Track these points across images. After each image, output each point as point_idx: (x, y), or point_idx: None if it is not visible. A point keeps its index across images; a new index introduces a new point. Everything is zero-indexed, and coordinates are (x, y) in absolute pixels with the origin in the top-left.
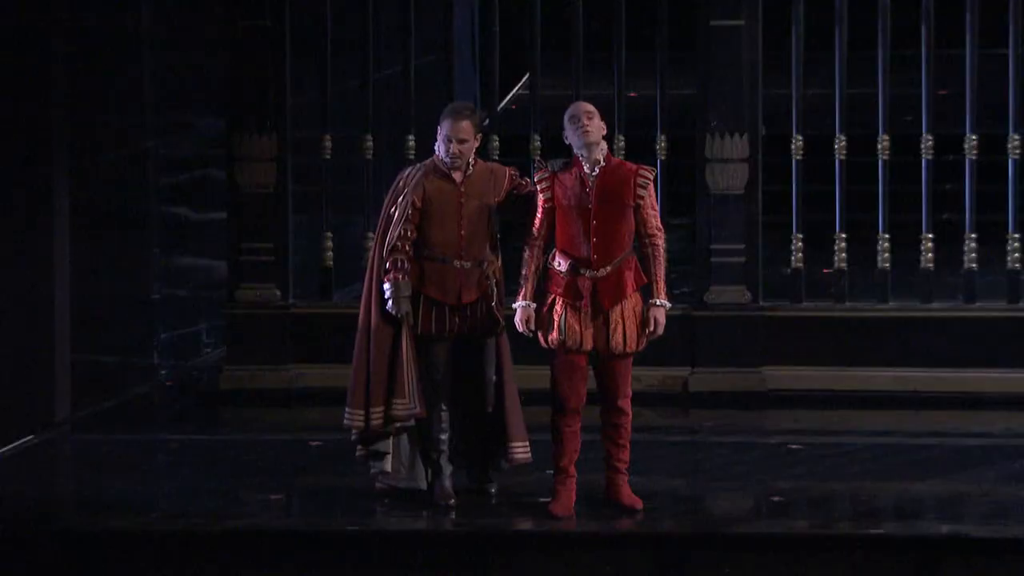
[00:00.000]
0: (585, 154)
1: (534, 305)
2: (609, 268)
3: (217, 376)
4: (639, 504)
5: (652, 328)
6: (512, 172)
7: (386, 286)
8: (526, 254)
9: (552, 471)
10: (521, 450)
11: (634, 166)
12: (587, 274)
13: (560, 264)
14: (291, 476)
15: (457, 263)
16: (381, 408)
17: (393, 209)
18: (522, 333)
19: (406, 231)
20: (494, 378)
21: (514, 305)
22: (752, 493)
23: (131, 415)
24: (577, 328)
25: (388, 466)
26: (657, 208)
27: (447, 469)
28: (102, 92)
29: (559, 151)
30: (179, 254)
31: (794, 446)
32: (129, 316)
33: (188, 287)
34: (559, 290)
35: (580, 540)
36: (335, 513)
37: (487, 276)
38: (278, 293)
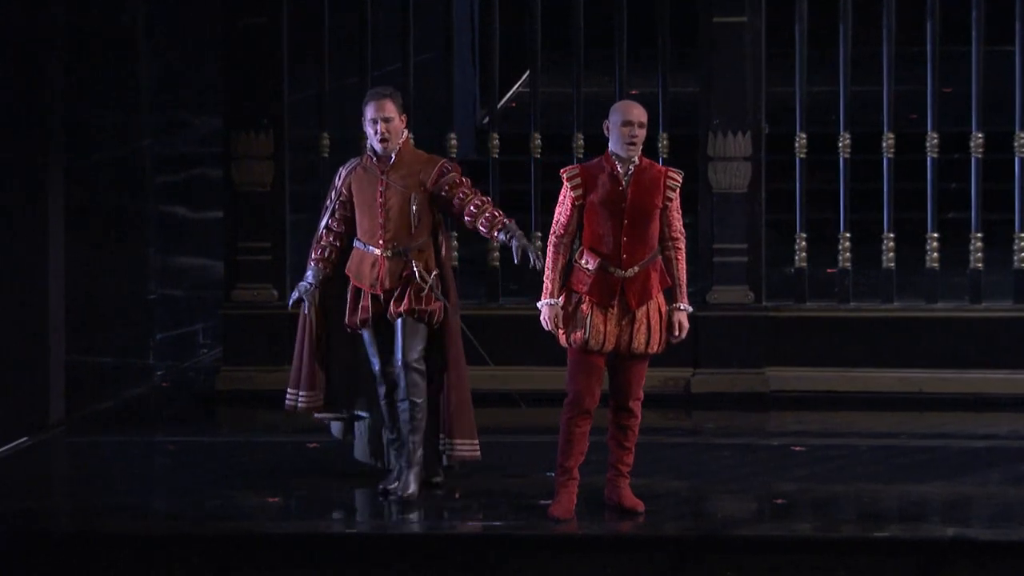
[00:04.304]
0: (623, 156)
1: (561, 302)
2: (637, 268)
3: (214, 377)
4: (640, 507)
5: (677, 332)
6: (444, 164)
7: (307, 273)
8: (551, 251)
9: (553, 473)
10: (464, 448)
11: (663, 168)
12: (616, 273)
13: (588, 262)
14: (289, 478)
15: (377, 251)
16: (294, 391)
17: (328, 201)
18: (548, 331)
19: (330, 222)
20: (422, 366)
21: (539, 303)
22: (755, 495)
23: (127, 417)
24: (602, 328)
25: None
26: (680, 211)
27: (397, 462)
28: (98, 90)
29: (560, 150)
30: (175, 254)
31: (797, 448)
32: (125, 316)
33: (184, 287)
34: (585, 288)
35: (581, 543)
36: (333, 516)
37: (409, 263)
38: (275, 293)
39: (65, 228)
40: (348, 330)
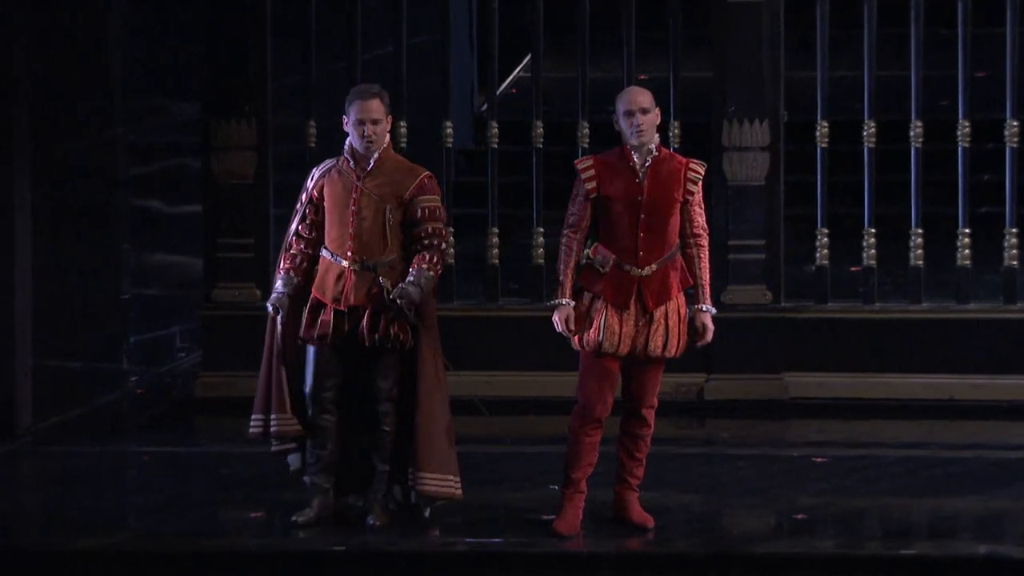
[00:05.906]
0: (636, 145)
1: (573, 303)
2: (655, 267)
3: (192, 383)
4: (650, 522)
5: (702, 336)
6: (425, 179)
7: (276, 283)
8: (564, 248)
9: (558, 486)
10: (432, 482)
11: (684, 159)
12: (631, 272)
13: (602, 260)
14: (272, 492)
15: (345, 263)
16: (261, 416)
17: (298, 205)
18: (560, 333)
19: (300, 228)
20: (393, 392)
21: (550, 303)
22: (773, 510)
23: (99, 425)
24: (617, 330)
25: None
26: (703, 206)
27: (324, 485)
28: (67, 75)
29: (563, 139)
30: (151, 251)
31: (819, 459)
32: (96, 318)
33: (160, 286)
34: (599, 288)
35: (586, 561)
36: (320, 532)
37: (378, 281)
38: (258, 293)
39: (32, 224)
40: (299, 342)
